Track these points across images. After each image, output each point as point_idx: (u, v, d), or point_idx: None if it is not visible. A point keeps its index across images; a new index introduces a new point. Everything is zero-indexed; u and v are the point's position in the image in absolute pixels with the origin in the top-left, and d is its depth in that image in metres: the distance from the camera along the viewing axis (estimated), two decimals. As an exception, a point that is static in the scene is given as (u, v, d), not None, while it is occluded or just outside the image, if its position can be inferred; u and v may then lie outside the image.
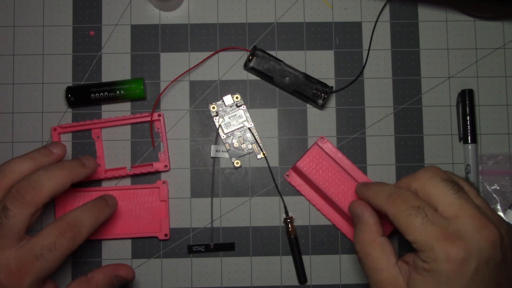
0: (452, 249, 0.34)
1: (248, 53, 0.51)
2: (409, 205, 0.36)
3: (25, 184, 0.38)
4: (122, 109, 0.52)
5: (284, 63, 0.51)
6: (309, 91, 0.51)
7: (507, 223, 0.37)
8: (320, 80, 0.51)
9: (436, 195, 0.37)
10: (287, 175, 0.51)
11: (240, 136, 0.52)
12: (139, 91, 0.51)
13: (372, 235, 0.39)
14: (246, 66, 0.51)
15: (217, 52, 0.52)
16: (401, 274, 0.37)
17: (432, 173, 0.38)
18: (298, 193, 0.51)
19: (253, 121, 0.52)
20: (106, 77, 0.52)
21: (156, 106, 0.52)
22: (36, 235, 0.38)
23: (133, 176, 0.51)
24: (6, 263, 0.37)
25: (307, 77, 0.51)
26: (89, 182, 0.51)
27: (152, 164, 0.51)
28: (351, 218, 0.42)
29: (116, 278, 0.43)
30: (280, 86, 0.51)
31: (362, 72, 0.53)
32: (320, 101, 0.51)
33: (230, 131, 0.52)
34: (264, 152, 0.52)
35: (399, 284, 0.37)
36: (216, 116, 0.52)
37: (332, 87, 0.51)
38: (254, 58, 0.51)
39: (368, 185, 0.42)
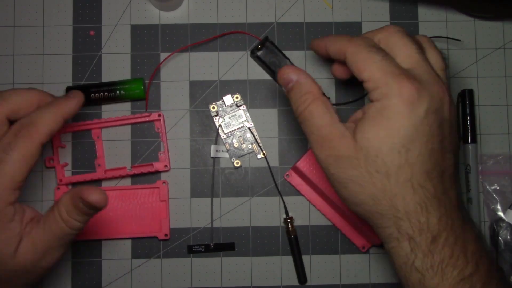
0: (406, 86, 0.34)
1: (258, 40, 0.51)
2: (371, 44, 0.37)
3: (23, 122, 0.38)
4: (122, 109, 0.52)
5: (290, 61, 0.51)
6: None
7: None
8: (320, 88, 0.51)
9: (398, 46, 0.37)
10: (287, 175, 0.51)
11: (240, 136, 0.52)
12: (139, 91, 0.51)
13: (314, 93, 0.38)
14: (253, 53, 0.51)
15: (231, 32, 0.52)
16: (348, 130, 0.36)
17: (399, 28, 0.38)
18: (298, 193, 0.51)
19: (253, 121, 0.52)
20: (106, 77, 0.52)
21: (156, 106, 0.52)
22: None
23: (133, 176, 0.51)
24: None
25: (307, 77, 0.51)
26: (89, 182, 0.51)
27: (152, 164, 0.51)
28: (287, 82, 0.40)
29: (82, 201, 0.38)
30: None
31: (363, 97, 0.53)
32: None
33: (230, 131, 0.52)
34: (264, 152, 0.52)
35: (346, 136, 0.36)
36: (216, 116, 0.52)
37: (328, 98, 0.51)
38: (264, 48, 0.51)
39: (324, 37, 0.41)
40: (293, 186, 0.51)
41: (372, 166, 0.34)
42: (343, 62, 0.39)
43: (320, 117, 0.37)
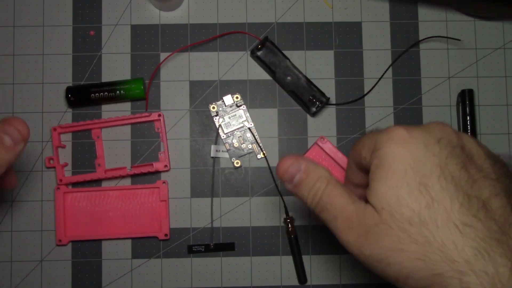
0: (394, 130, 0.30)
1: (258, 40, 0.51)
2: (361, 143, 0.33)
3: None
4: (122, 109, 0.52)
5: (290, 61, 0.51)
6: (306, 96, 0.51)
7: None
8: (320, 88, 0.51)
9: None
10: None
11: (240, 136, 0.52)
12: (139, 91, 0.51)
13: (325, 176, 0.33)
14: (253, 53, 0.51)
15: (231, 32, 0.52)
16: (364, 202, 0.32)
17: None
18: (298, 193, 0.51)
19: (253, 121, 0.52)
20: (106, 77, 0.52)
21: (156, 106, 0.52)
22: None
23: (133, 176, 0.51)
24: None
25: (308, 82, 0.51)
26: (89, 182, 0.51)
27: (152, 164, 0.51)
28: (290, 179, 0.35)
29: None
30: (280, 82, 0.52)
31: (363, 96, 0.53)
32: (313, 109, 0.51)
33: (230, 131, 0.52)
34: (264, 152, 0.52)
35: (367, 207, 0.31)
36: (216, 116, 0.52)
37: (328, 98, 0.51)
38: (263, 48, 0.51)
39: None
40: None
41: (402, 220, 0.29)
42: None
43: (341, 197, 0.32)
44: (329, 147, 0.50)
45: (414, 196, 0.29)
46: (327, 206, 0.32)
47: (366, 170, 0.33)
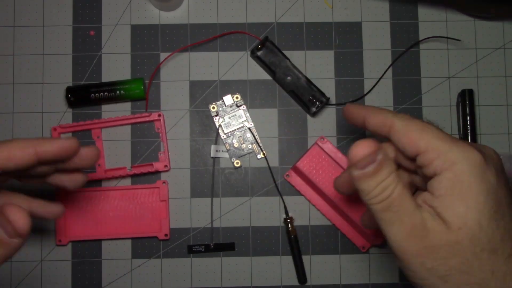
0: (471, 151, 0.30)
1: (258, 40, 0.52)
2: (422, 121, 0.33)
3: None
4: (122, 109, 0.52)
5: (290, 61, 0.51)
6: (306, 96, 0.51)
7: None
8: (320, 88, 0.51)
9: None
10: (287, 175, 0.51)
11: (240, 136, 0.52)
12: (139, 91, 0.51)
13: (397, 176, 0.31)
14: (253, 53, 0.51)
15: (231, 32, 0.52)
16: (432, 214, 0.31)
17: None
18: (298, 193, 0.51)
19: (253, 121, 0.52)
20: (106, 77, 0.52)
21: (156, 106, 0.52)
22: None
23: (133, 176, 0.51)
24: None
25: (308, 82, 0.51)
26: (89, 182, 0.51)
27: (152, 164, 0.51)
28: (357, 171, 0.31)
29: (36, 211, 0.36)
30: (280, 82, 0.52)
31: (363, 96, 0.53)
32: (313, 109, 0.51)
33: (230, 131, 0.52)
34: (264, 152, 0.52)
35: (437, 220, 0.30)
36: (216, 116, 0.52)
37: (328, 98, 0.51)
38: (264, 48, 0.51)
39: (364, 106, 0.36)
40: (293, 186, 0.51)
41: (478, 244, 0.29)
42: (380, 138, 0.34)
43: (411, 201, 0.30)
44: (329, 147, 0.50)
45: (492, 224, 0.29)
46: (394, 206, 0.30)
47: (406, 157, 0.33)
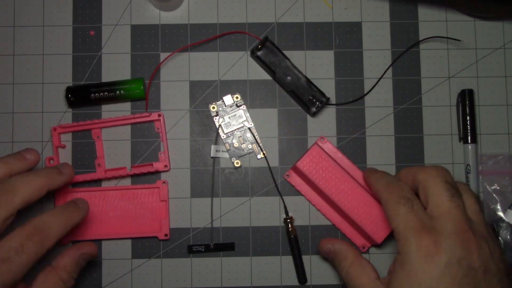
0: (424, 240, 0.35)
1: (258, 40, 0.52)
2: (402, 194, 0.39)
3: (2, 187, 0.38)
4: (122, 109, 0.52)
5: (290, 61, 0.51)
6: (306, 96, 0.51)
7: (495, 241, 0.37)
8: (320, 88, 0.51)
9: (431, 193, 0.38)
10: (287, 175, 0.51)
11: (240, 136, 0.52)
12: (139, 91, 0.51)
13: (349, 259, 0.43)
14: (253, 53, 0.51)
15: (231, 32, 0.52)
16: (382, 285, 0.39)
17: (439, 173, 0.39)
18: (298, 193, 0.51)
19: (253, 121, 0.52)
20: (106, 77, 0.52)
21: (156, 106, 0.52)
22: (3, 238, 0.37)
23: (133, 176, 0.51)
24: None
25: (308, 82, 0.51)
26: (89, 182, 0.51)
27: (152, 164, 0.51)
28: (328, 253, 0.47)
29: (82, 257, 0.43)
30: (279, 82, 0.52)
31: (363, 96, 0.53)
32: (313, 109, 0.51)
33: (230, 131, 0.52)
34: (264, 152, 0.52)
35: None
36: (216, 116, 0.52)
37: (328, 98, 0.51)
38: (264, 48, 0.51)
39: (374, 172, 0.45)
40: (293, 186, 0.51)
41: None
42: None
43: (359, 278, 0.41)
44: (329, 147, 0.50)
45: None
46: (348, 282, 0.42)
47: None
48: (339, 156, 0.50)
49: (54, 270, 0.41)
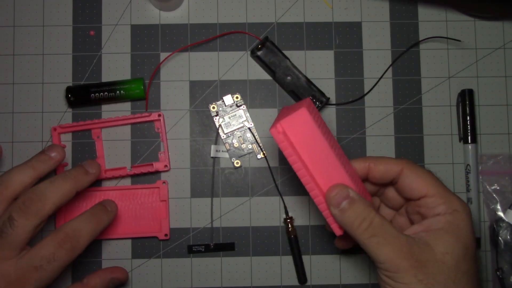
0: (465, 205, 0.37)
1: (258, 40, 0.52)
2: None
3: (30, 196, 0.39)
4: (122, 109, 0.52)
5: (290, 61, 0.51)
6: (306, 96, 0.51)
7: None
8: (320, 88, 0.51)
9: (416, 175, 0.39)
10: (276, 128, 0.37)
11: (240, 136, 0.52)
12: (139, 91, 0.51)
13: (373, 205, 0.37)
14: (253, 53, 0.51)
15: (231, 32, 0.52)
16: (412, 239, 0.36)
17: (408, 160, 0.40)
18: (298, 193, 0.51)
19: (253, 121, 0.52)
20: (106, 77, 0.52)
21: (156, 106, 0.52)
22: (35, 245, 0.38)
23: (133, 176, 0.51)
24: (6, 274, 0.37)
25: (308, 82, 0.51)
26: (89, 182, 0.51)
27: (152, 164, 0.51)
28: (338, 203, 0.36)
29: (112, 281, 0.45)
30: (279, 82, 0.52)
31: (363, 96, 0.53)
32: None
33: (230, 131, 0.52)
34: (264, 152, 0.52)
35: (423, 241, 0.36)
36: (216, 116, 0.52)
37: (328, 98, 0.51)
38: (264, 48, 0.51)
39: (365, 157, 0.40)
40: (280, 143, 0.37)
41: (460, 269, 0.36)
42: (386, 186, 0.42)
43: (392, 227, 0.36)
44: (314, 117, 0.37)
45: (471, 259, 0.36)
46: (378, 232, 0.35)
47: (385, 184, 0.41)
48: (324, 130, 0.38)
49: (83, 287, 0.43)
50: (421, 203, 0.38)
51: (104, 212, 0.43)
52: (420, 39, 0.53)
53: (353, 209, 0.36)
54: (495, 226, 0.51)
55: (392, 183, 0.40)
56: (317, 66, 0.53)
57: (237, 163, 0.51)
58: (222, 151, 0.51)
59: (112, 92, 0.50)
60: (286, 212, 0.51)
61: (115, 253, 0.51)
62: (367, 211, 0.36)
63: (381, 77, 0.52)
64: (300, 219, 0.51)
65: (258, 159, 0.52)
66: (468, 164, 0.51)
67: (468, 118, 0.52)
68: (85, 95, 0.50)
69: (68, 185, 0.40)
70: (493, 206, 0.51)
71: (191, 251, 0.51)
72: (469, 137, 0.52)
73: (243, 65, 0.52)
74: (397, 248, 0.35)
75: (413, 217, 0.40)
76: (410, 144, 0.52)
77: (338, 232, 0.39)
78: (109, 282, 0.45)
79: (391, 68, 0.53)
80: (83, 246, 0.40)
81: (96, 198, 0.50)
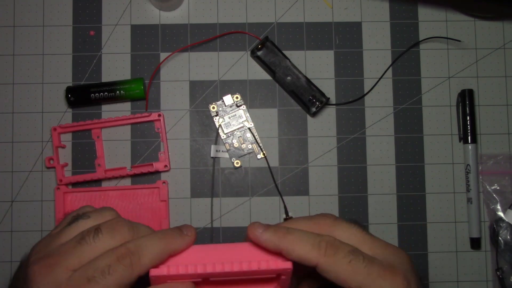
0: (396, 280, 0.33)
1: (258, 40, 0.52)
2: (345, 251, 0.33)
3: (130, 247, 0.35)
4: (122, 109, 0.52)
5: (290, 61, 0.51)
6: (306, 96, 0.51)
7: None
8: (320, 88, 0.51)
9: (342, 230, 0.35)
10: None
11: (240, 136, 0.52)
12: (139, 91, 0.51)
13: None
14: (253, 53, 0.51)
15: (231, 32, 0.52)
16: None
17: (333, 218, 0.35)
18: (298, 193, 0.51)
19: (253, 121, 0.52)
20: (106, 77, 0.52)
21: (156, 106, 0.52)
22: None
23: (133, 176, 0.51)
24: (57, 284, 0.35)
25: (309, 82, 0.51)
26: (89, 182, 0.51)
27: (152, 164, 0.51)
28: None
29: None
30: (279, 82, 0.52)
31: (363, 96, 0.53)
32: (313, 109, 0.51)
33: (230, 131, 0.52)
34: (264, 152, 0.52)
35: None
36: (216, 116, 0.52)
37: (328, 98, 0.51)
38: (264, 48, 0.51)
39: (278, 231, 0.34)
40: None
41: None
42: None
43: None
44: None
45: None
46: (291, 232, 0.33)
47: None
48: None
49: None
50: None
51: (177, 236, 0.37)
52: (420, 39, 0.53)
53: (268, 230, 0.34)
54: (495, 226, 0.51)
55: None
56: (317, 66, 0.53)
57: (237, 163, 0.51)
58: (222, 151, 0.51)
59: (112, 92, 0.50)
60: (286, 212, 0.51)
61: (115, 253, 0.51)
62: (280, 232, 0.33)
63: (381, 77, 0.52)
64: (300, 219, 0.51)
65: (258, 159, 0.52)
66: (468, 164, 0.51)
67: (468, 118, 0.52)
68: (85, 95, 0.50)
69: (164, 247, 0.35)
70: (493, 206, 0.51)
71: (191, 251, 0.51)
72: (469, 137, 0.52)
73: (243, 65, 0.52)
74: (309, 244, 0.32)
75: None
76: (410, 144, 0.52)
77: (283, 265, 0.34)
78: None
79: (391, 68, 0.53)
80: (145, 265, 0.35)
81: (96, 198, 0.50)
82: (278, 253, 0.33)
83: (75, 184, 0.51)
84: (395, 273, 0.33)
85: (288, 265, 0.33)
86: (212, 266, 0.33)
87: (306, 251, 0.33)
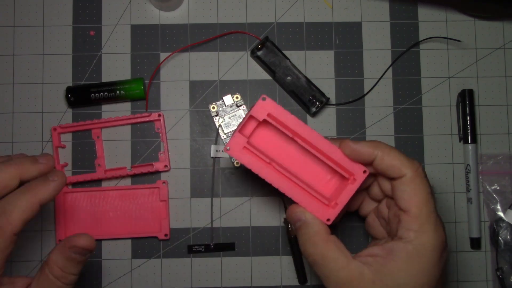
0: (441, 236, 0.36)
1: (258, 40, 0.52)
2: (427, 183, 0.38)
3: None
4: (122, 109, 0.52)
5: (290, 61, 0.51)
6: (306, 96, 0.51)
7: None
8: (320, 88, 0.51)
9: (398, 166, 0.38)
10: (228, 148, 0.40)
11: (240, 136, 0.52)
12: (139, 91, 0.51)
13: (323, 235, 0.38)
14: (253, 53, 0.51)
15: (231, 32, 0.52)
16: (366, 266, 0.36)
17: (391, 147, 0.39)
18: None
19: (253, 121, 0.52)
20: (106, 77, 0.52)
21: (156, 106, 0.52)
22: None
23: (133, 176, 0.51)
24: None
25: (309, 82, 0.51)
26: (89, 182, 0.51)
27: (152, 164, 0.51)
28: (297, 220, 0.39)
29: (72, 250, 0.36)
30: (279, 82, 0.52)
31: (363, 96, 0.53)
32: (313, 109, 0.51)
33: (230, 131, 0.52)
34: (264, 152, 0.52)
35: (365, 276, 0.35)
36: (216, 116, 0.52)
37: (328, 98, 0.51)
38: (264, 48, 0.51)
39: (371, 141, 0.39)
40: (236, 160, 0.41)
41: None
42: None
43: (335, 261, 0.36)
44: (273, 106, 0.39)
45: None
46: (319, 265, 0.37)
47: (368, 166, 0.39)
48: (289, 117, 0.39)
49: (46, 266, 0.36)
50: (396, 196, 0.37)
51: (42, 184, 0.35)
52: (420, 39, 0.53)
53: (303, 231, 0.38)
54: (495, 226, 0.51)
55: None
56: (317, 66, 0.53)
57: (237, 163, 0.51)
58: (222, 151, 0.51)
59: (112, 92, 0.50)
60: (286, 212, 0.51)
61: (115, 253, 0.51)
62: (313, 240, 0.37)
63: (381, 77, 0.52)
64: (300, 219, 0.51)
65: (258, 159, 0.52)
66: (468, 164, 0.51)
67: (468, 118, 0.52)
68: (85, 95, 0.50)
69: (31, 198, 0.35)
70: (493, 206, 0.51)
71: (191, 251, 0.51)
72: (469, 137, 0.52)
73: (243, 65, 0.52)
74: (335, 284, 0.36)
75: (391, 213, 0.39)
76: (410, 144, 0.52)
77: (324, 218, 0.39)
78: (70, 252, 0.36)
79: (391, 68, 0.53)
80: (15, 223, 0.33)
81: (96, 198, 0.50)
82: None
83: (75, 184, 0.51)
84: (444, 234, 0.37)
85: (365, 168, 0.38)
86: (303, 128, 0.38)
87: (401, 159, 0.37)
